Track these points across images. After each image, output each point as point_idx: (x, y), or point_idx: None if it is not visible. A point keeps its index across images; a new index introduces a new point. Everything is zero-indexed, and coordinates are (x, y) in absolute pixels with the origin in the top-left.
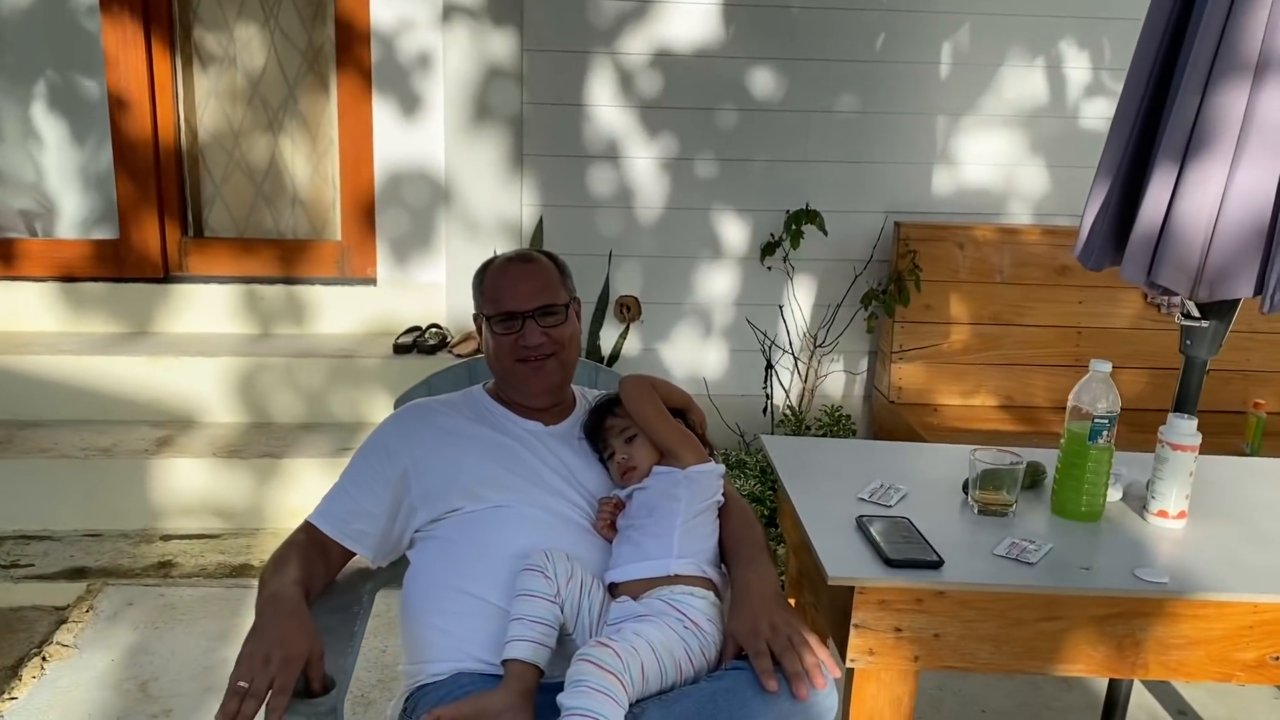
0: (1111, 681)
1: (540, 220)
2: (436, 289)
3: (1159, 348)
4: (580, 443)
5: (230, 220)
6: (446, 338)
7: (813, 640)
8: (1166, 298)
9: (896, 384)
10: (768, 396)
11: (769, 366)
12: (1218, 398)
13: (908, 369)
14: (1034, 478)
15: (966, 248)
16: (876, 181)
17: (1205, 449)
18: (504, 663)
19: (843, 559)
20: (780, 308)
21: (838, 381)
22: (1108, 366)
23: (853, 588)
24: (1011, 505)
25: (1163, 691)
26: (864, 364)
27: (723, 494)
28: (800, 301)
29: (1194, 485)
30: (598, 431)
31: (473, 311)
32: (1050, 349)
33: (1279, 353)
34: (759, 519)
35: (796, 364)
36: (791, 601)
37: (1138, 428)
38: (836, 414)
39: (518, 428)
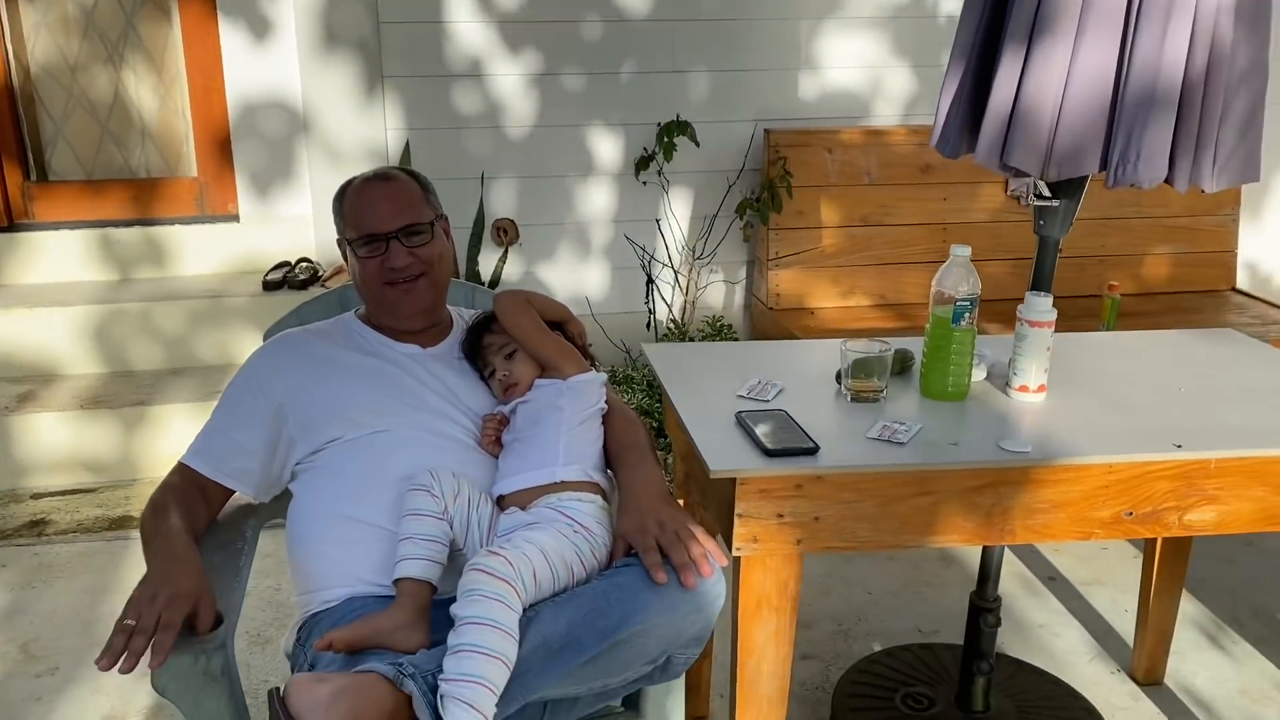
0: (983, 554)
1: (406, 144)
2: (303, 221)
3: (1020, 239)
4: (460, 362)
5: (76, 161)
6: (318, 272)
7: (699, 532)
8: (1025, 190)
9: (774, 291)
10: (650, 311)
11: (649, 281)
12: (1076, 283)
13: (785, 275)
14: (903, 364)
15: (835, 152)
16: (745, 90)
17: (1066, 331)
18: (396, 582)
19: (723, 453)
20: (657, 222)
21: (718, 292)
22: (967, 251)
23: (734, 479)
24: (882, 391)
25: (1034, 561)
26: (743, 273)
27: (605, 401)
28: (677, 214)
29: (1053, 361)
30: (477, 350)
31: (336, 238)
32: (919, 246)
33: (1132, 238)
34: (648, 431)
35: (677, 277)
36: (681, 502)
37: (1002, 316)
38: (718, 324)
39: (394, 352)
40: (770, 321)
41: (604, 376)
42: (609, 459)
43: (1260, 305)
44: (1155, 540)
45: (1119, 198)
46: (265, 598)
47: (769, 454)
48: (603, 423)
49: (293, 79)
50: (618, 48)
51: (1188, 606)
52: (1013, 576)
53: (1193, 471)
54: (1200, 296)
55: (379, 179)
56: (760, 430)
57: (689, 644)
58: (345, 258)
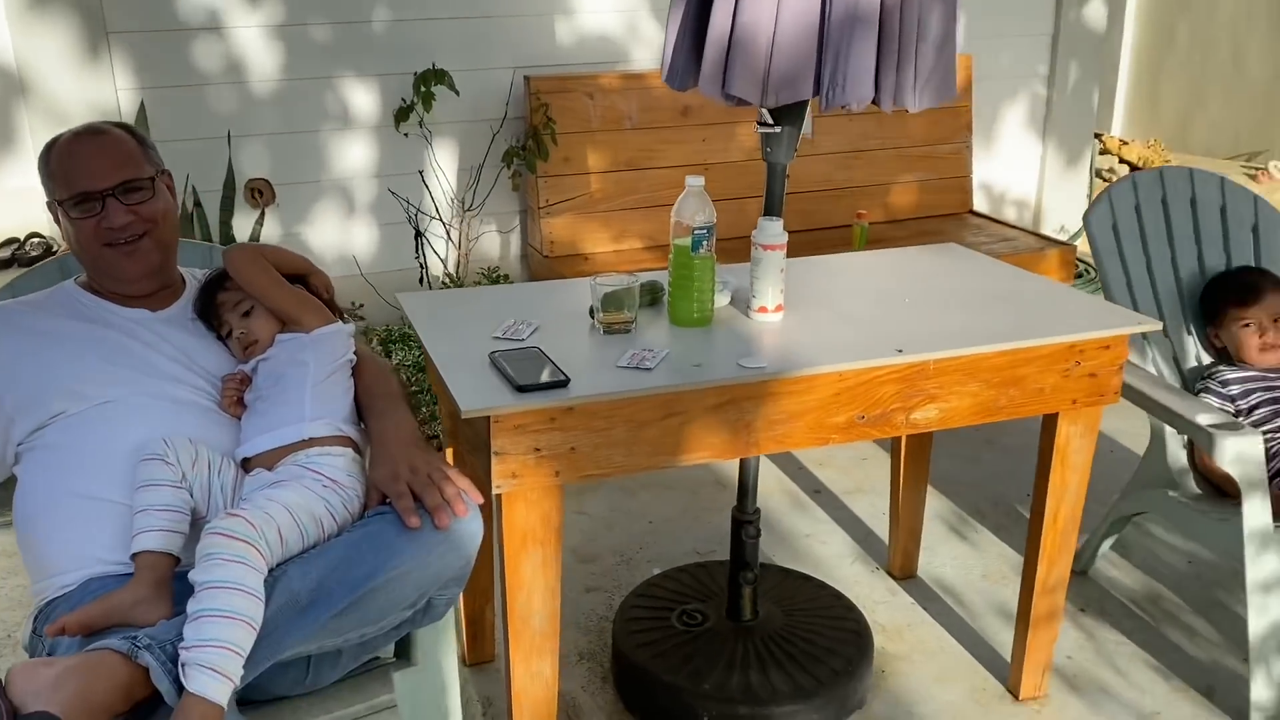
0: (740, 470)
1: (141, 104)
2: (30, 194)
3: None
4: (195, 324)
5: None
6: (52, 247)
7: (453, 473)
8: None
9: (548, 238)
10: (422, 266)
11: (418, 235)
12: (830, 214)
13: (557, 222)
14: (653, 296)
15: (596, 97)
16: (503, 36)
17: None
18: (133, 557)
19: (476, 392)
20: (421, 174)
21: (493, 243)
22: (700, 181)
23: (489, 418)
24: (632, 321)
25: (801, 476)
26: (517, 223)
27: (354, 353)
28: (443, 166)
29: (797, 283)
30: (210, 309)
31: (45, 200)
32: (683, 188)
33: (878, 169)
34: (401, 381)
35: (448, 230)
36: (450, 451)
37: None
38: (494, 275)
39: (119, 318)
40: (547, 269)
41: (351, 327)
42: (360, 410)
43: (994, 225)
44: (899, 444)
45: (864, 130)
46: (15, 597)
47: (521, 390)
48: (353, 374)
49: (2, 39)
50: None
51: (937, 504)
52: (782, 493)
53: (914, 374)
54: (942, 220)
55: (89, 133)
56: (512, 368)
57: (448, 584)
58: (58, 221)
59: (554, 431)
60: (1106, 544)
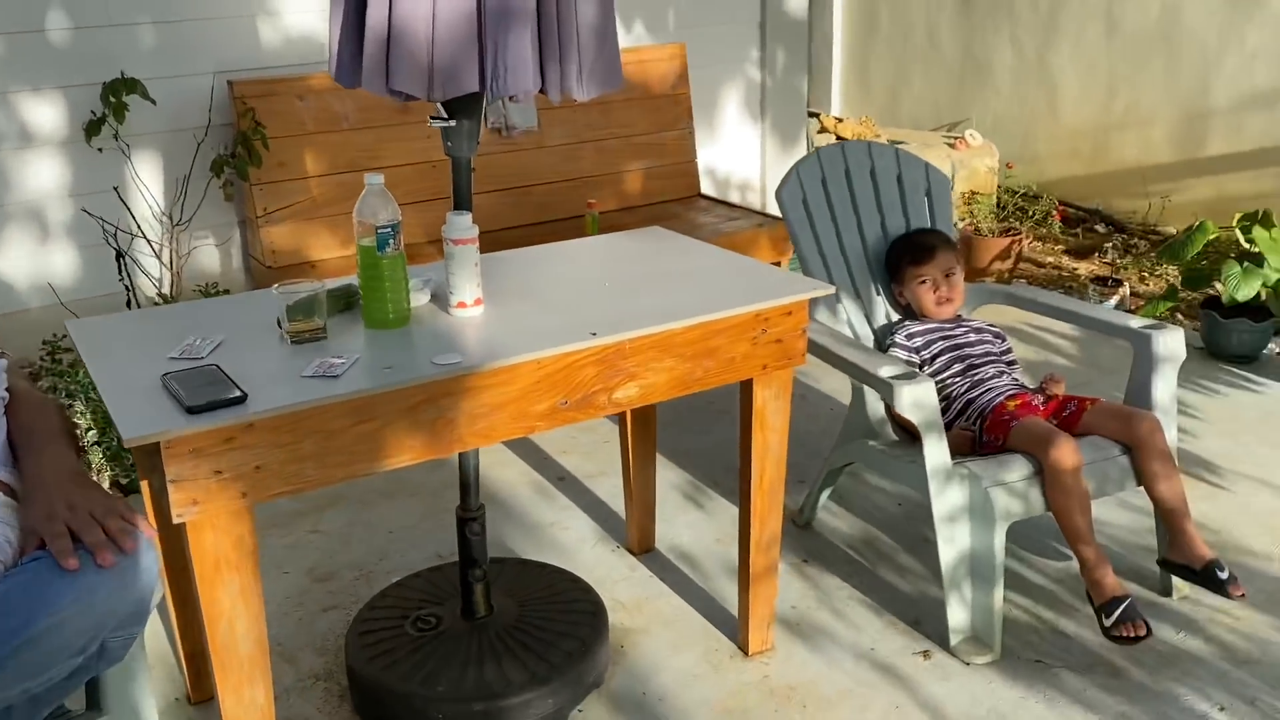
0: (460, 468)
1: None
2: None
3: (507, 169)
4: None
5: None
6: None
7: (121, 507)
8: (505, 123)
9: (270, 248)
10: (128, 289)
11: (120, 256)
12: (565, 205)
13: (278, 230)
14: (348, 300)
15: (307, 99)
16: (200, 40)
17: None
18: None
19: (142, 418)
20: (117, 190)
21: (211, 257)
22: (379, 179)
23: (159, 444)
24: (322, 329)
25: (545, 465)
26: (235, 234)
27: (7, 389)
28: (146, 180)
29: (501, 275)
30: None
31: None
32: (411, 186)
33: (608, 157)
34: (62, 414)
35: (157, 248)
36: (144, 488)
37: (495, 244)
38: (213, 292)
39: None
40: (273, 279)
41: (4, 363)
42: (14, 450)
43: (721, 206)
44: (625, 424)
45: (590, 120)
46: None
47: (191, 411)
48: (5, 413)
49: None
50: (37, 2)
51: (674, 476)
52: (526, 485)
53: (611, 354)
54: (672, 205)
55: None
56: (183, 389)
57: (125, 624)
58: None
59: (235, 451)
60: (824, 496)
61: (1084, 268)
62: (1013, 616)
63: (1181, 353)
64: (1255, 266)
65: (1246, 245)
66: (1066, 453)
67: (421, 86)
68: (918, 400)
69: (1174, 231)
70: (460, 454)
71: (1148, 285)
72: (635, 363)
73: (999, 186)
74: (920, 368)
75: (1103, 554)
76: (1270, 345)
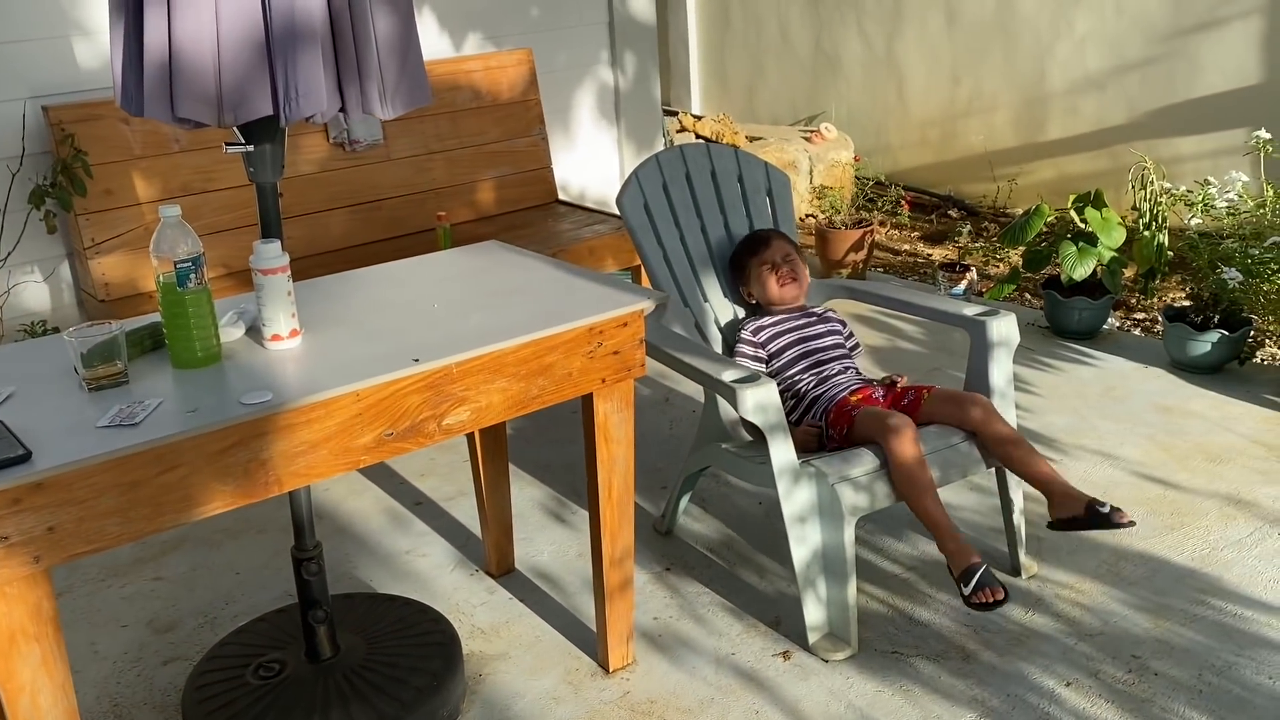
0: (292, 507)
1: None
2: None
3: (355, 183)
4: None
5: None
6: None
7: None
8: (348, 136)
9: (102, 280)
10: None
11: None
12: (414, 219)
13: (109, 261)
14: (155, 340)
15: (133, 123)
16: (8, 64)
17: None
18: None
19: None
20: None
21: (39, 293)
22: (176, 210)
23: None
24: (122, 374)
25: (402, 491)
26: (63, 268)
27: None
28: None
29: (325, 300)
30: None
31: None
32: (250, 209)
33: (460, 168)
34: None
35: None
36: None
37: (346, 263)
38: (41, 330)
39: None
40: (107, 314)
41: None
42: None
43: (579, 212)
44: (474, 445)
45: (438, 131)
46: None
47: None
48: None
49: None
50: None
51: (537, 493)
52: (381, 513)
53: (438, 380)
54: (528, 213)
55: None
56: None
57: None
58: None
59: (23, 514)
60: (684, 501)
61: (937, 253)
62: (869, 609)
63: (1014, 337)
64: (1089, 246)
65: (1081, 225)
66: (906, 443)
67: (210, 113)
68: (760, 403)
69: (1021, 213)
70: (291, 492)
71: (999, 268)
72: (465, 386)
73: (856, 178)
74: (768, 363)
75: (955, 528)
76: (1109, 320)
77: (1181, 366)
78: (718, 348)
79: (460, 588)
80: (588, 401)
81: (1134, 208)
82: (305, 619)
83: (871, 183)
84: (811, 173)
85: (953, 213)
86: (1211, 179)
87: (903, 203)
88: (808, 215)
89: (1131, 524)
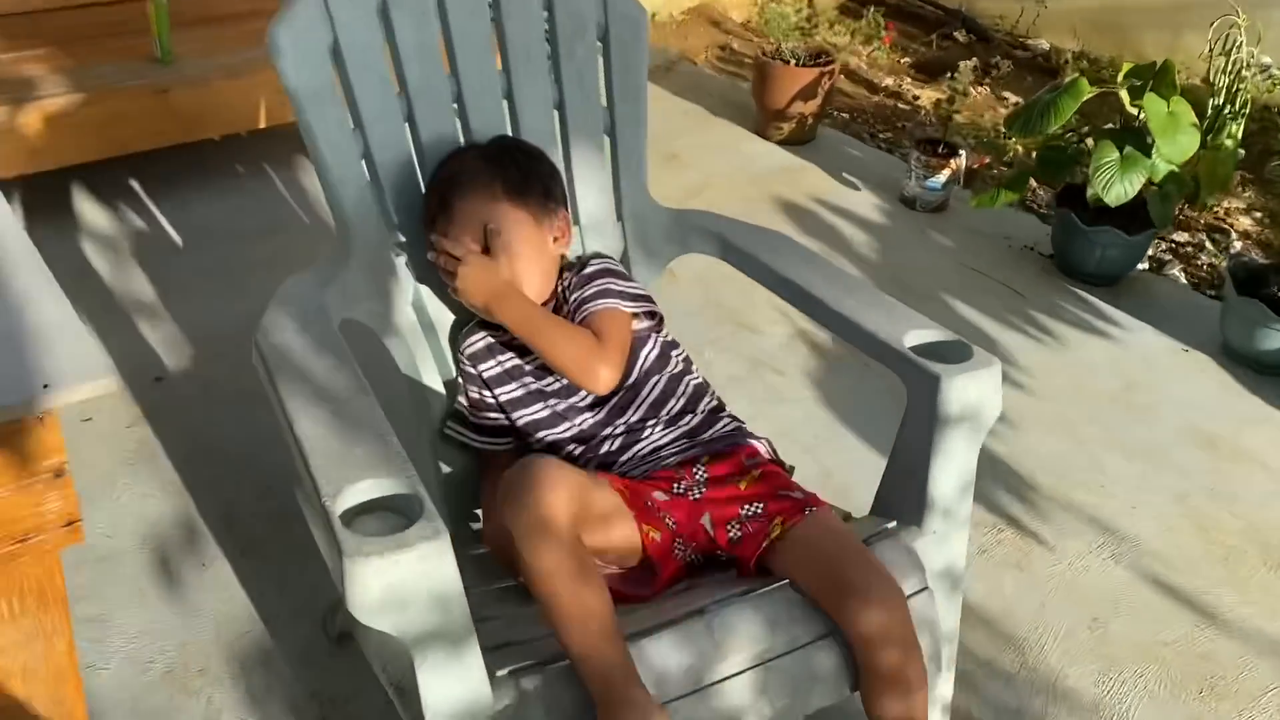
0: None
1: None
2: None
3: None
4: None
5: None
6: None
7: None
8: None
9: None
10: None
11: None
12: None
13: None
14: None
15: None
16: None
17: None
18: None
19: None
20: None
21: None
22: None
23: None
24: None
25: None
26: None
27: None
28: None
29: None
30: None
31: None
32: None
33: None
34: None
35: None
36: None
37: None
38: None
39: None
40: None
41: None
42: None
43: None
44: None
45: None
46: None
47: None
48: None
49: None
50: None
51: None
52: None
53: None
54: None
55: None
56: None
57: None
58: None
59: None
60: None
61: (928, 96)
62: None
63: (991, 411)
64: (1140, 154)
65: (1133, 116)
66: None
67: None
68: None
69: (1046, 48)
70: None
71: (999, 158)
72: None
73: None
74: (500, 435)
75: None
76: (1140, 264)
77: (1241, 360)
78: (445, 347)
79: None
80: None
81: (1207, 79)
82: None
83: None
84: None
85: (958, 34)
86: None
87: (884, 36)
88: (749, 28)
89: None
